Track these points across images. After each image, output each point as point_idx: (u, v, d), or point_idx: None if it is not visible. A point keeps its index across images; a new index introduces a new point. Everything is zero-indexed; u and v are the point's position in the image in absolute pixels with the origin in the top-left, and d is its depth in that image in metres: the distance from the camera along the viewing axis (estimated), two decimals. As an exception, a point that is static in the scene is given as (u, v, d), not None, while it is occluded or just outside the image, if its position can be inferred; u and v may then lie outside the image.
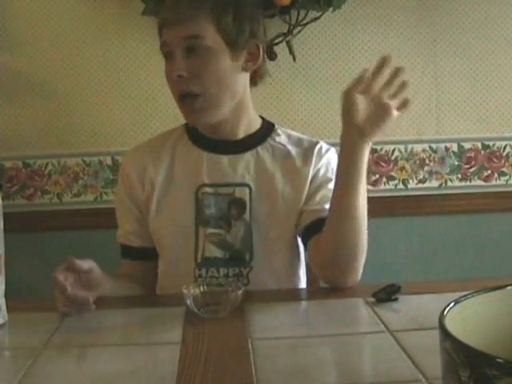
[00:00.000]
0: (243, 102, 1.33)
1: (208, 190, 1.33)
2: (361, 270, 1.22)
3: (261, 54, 1.32)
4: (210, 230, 1.32)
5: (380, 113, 1.11)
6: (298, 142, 1.38)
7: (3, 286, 1.08)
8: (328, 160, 1.37)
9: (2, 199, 1.11)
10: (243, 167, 1.34)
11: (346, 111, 1.13)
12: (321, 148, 1.37)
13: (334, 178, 1.34)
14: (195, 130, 1.39)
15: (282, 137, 1.38)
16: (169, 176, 1.36)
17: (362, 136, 1.13)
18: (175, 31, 1.25)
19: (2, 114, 2.00)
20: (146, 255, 1.40)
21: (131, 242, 1.40)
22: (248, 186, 1.32)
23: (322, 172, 1.35)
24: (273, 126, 1.41)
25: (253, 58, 1.31)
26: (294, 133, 1.42)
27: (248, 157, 1.35)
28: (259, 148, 1.36)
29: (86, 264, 1.14)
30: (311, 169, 1.34)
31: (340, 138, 1.17)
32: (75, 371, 0.88)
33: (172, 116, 1.99)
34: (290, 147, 1.37)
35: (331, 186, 1.32)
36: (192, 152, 1.37)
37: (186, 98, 1.26)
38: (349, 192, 1.17)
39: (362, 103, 1.10)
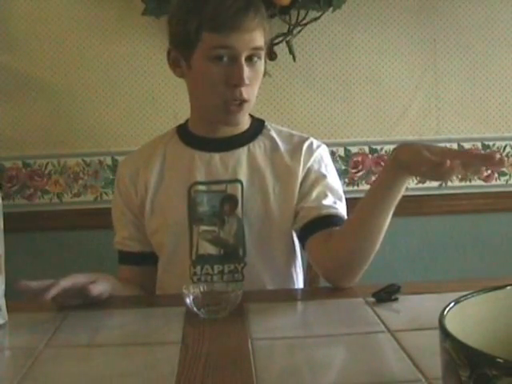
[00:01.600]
0: None
1: (200, 187, 1.33)
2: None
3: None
4: (204, 228, 1.32)
5: (435, 174, 1.06)
6: (287, 138, 1.39)
7: (3, 286, 1.08)
8: (320, 156, 1.37)
9: (2, 199, 1.11)
10: (235, 164, 1.34)
11: (406, 162, 1.08)
12: (311, 144, 1.37)
13: (328, 174, 1.34)
14: (186, 130, 1.40)
15: (272, 133, 1.39)
16: (160, 176, 1.37)
17: (409, 173, 1.12)
18: (245, 38, 1.23)
19: (2, 113, 2.00)
20: (144, 260, 1.40)
21: (128, 248, 1.40)
22: (240, 181, 1.33)
23: (315, 168, 1.35)
24: (263, 122, 1.41)
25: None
26: (284, 129, 1.42)
27: (239, 153, 1.35)
28: (251, 144, 1.37)
29: (98, 290, 1.16)
30: (300, 165, 1.34)
31: (386, 163, 1.19)
32: (75, 371, 0.88)
33: (172, 116, 1.99)
34: (280, 143, 1.37)
35: (327, 181, 1.33)
36: (183, 151, 1.38)
37: (234, 102, 1.27)
38: (380, 214, 1.17)
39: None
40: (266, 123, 1.41)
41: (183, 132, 1.41)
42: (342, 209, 1.32)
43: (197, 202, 1.33)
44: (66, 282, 1.11)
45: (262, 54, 1.28)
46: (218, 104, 1.28)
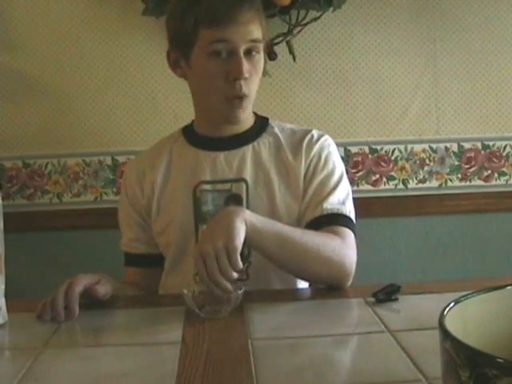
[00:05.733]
0: None
1: (206, 187, 1.34)
2: (349, 272, 1.21)
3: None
4: None
5: None
6: (290, 135, 1.38)
7: (3, 286, 1.08)
8: (320, 148, 1.36)
9: (2, 199, 1.11)
10: (239, 162, 1.34)
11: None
12: (311, 138, 1.36)
13: (326, 167, 1.33)
14: (191, 131, 1.41)
15: (276, 130, 1.39)
16: (166, 177, 1.37)
17: None
18: (242, 31, 1.23)
19: (1, 113, 2.00)
20: (150, 262, 1.40)
21: (135, 250, 1.41)
22: (244, 180, 1.32)
23: (313, 163, 1.34)
24: (267, 120, 1.41)
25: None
26: (287, 125, 1.42)
27: (244, 152, 1.35)
28: (255, 143, 1.37)
29: (103, 291, 1.17)
30: (302, 162, 1.33)
31: None
32: (75, 371, 0.88)
33: (172, 116, 1.99)
34: (283, 140, 1.37)
35: (322, 177, 1.32)
36: (188, 151, 1.38)
37: (237, 98, 1.27)
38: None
39: None
40: (270, 121, 1.41)
41: (189, 132, 1.41)
42: (338, 204, 1.30)
43: (202, 201, 1.33)
44: (78, 288, 1.11)
45: (261, 47, 1.27)
46: (219, 100, 1.28)
